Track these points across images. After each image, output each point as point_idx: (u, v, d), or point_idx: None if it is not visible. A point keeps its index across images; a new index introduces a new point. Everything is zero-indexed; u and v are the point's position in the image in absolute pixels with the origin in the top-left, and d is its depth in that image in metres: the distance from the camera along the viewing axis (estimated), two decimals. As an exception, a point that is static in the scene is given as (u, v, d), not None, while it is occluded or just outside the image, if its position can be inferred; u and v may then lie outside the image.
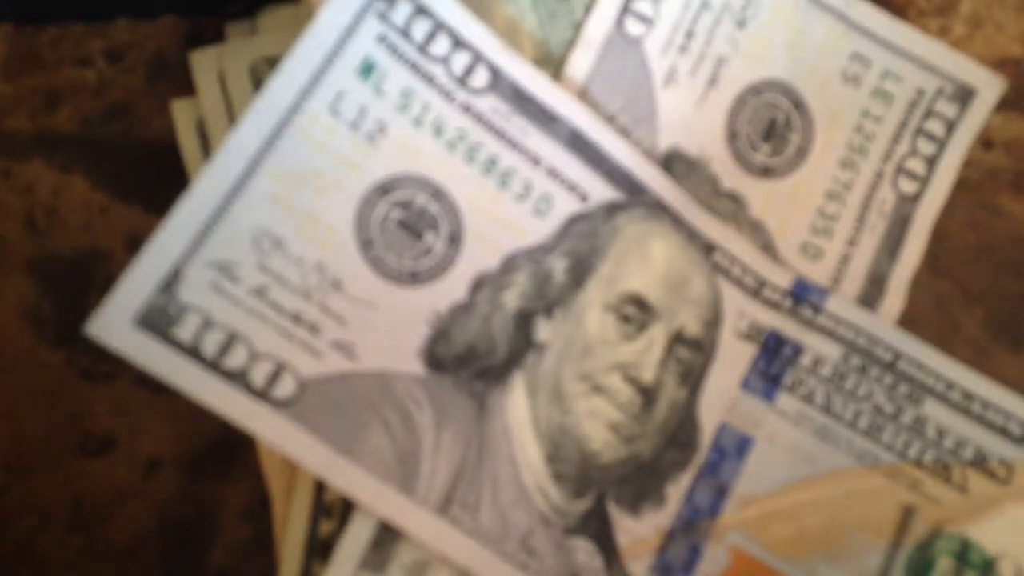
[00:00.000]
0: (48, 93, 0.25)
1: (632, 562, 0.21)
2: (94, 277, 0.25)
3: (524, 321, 0.21)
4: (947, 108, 0.25)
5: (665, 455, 0.22)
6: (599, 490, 0.21)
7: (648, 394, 0.21)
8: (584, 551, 0.21)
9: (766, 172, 0.24)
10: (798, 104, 0.25)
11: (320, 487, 0.22)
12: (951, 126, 0.25)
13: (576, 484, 0.21)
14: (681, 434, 0.21)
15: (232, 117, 0.24)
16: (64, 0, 0.24)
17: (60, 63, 0.25)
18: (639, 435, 0.22)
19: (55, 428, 0.24)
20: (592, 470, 0.21)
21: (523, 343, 0.21)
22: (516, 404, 0.21)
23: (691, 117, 0.24)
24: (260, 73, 0.24)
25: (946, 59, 0.26)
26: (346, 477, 0.20)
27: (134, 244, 0.25)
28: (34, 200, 0.25)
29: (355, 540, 0.20)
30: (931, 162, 0.25)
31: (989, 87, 0.26)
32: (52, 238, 0.25)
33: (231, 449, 0.24)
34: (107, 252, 0.25)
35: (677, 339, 0.22)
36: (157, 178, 0.25)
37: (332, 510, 0.22)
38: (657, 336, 0.22)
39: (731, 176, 0.24)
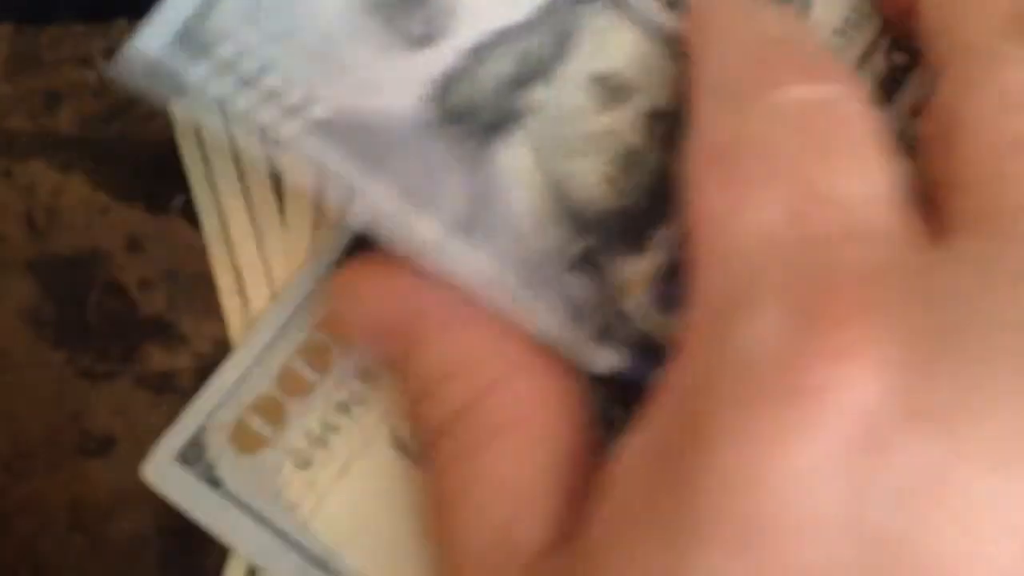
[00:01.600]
0: (48, 93, 0.25)
1: (626, 298, 0.22)
2: (94, 277, 0.25)
3: (519, 85, 0.22)
4: None
5: (655, 207, 0.23)
6: (593, 236, 0.22)
7: (636, 155, 0.23)
8: (578, 287, 0.22)
9: None
10: None
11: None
12: None
13: (571, 229, 0.22)
14: (668, 190, 0.22)
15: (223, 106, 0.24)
16: (64, 0, 0.24)
17: (60, 63, 0.25)
18: (630, 190, 0.23)
19: (55, 428, 0.24)
20: (586, 218, 0.22)
21: (519, 103, 0.22)
22: (517, 155, 0.22)
23: None
24: None
25: None
26: (371, 194, 0.21)
27: (134, 244, 0.25)
28: (34, 200, 0.25)
29: None
30: None
31: None
32: (52, 238, 0.25)
33: (231, 449, 0.24)
34: (107, 252, 0.25)
35: (655, 113, 0.23)
36: (157, 178, 0.25)
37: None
38: (641, 106, 0.23)
39: None
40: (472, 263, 0.22)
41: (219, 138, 0.24)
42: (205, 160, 0.24)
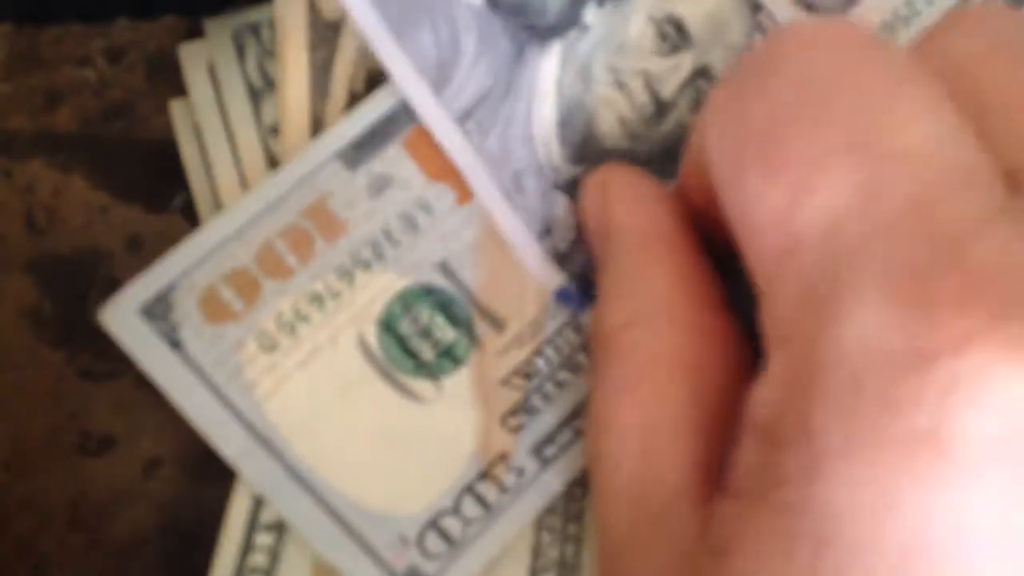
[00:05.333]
0: (48, 93, 0.25)
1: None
2: (94, 277, 0.25)
3: (578, 1, 0.23)
4: None
5: (663, 163, 0.23)
6: (592, 165, 0.23)
7: (662, 107, 0.23)
8: (564, 207, 0.23)
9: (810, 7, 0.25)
10: None
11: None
12: None
13: (576, 152, 0.23)
14: (679, 152, 0.23)
15: (223, 108, 0.24)
16: (64, 0, 0.24)
17: (60, 63, 0.25)
18: (643, 136, 0.23)
19: (55, 428, 0.24)
20: (592, 147, 0.23)
21: (571, 18, 0.23)
22: (547, 66, 0.23)
23: None
24: (242, 39, 0.24)
25: None
26: (392, 59, 0.22)
27: (134, 244, 0.25)
28: (34, 200, 0.25)
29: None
30: None
31: None
32: (52, 238, 0.25)
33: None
34: (107, 252, 0.25)
35: (702, 73, 0.24)
36: (157, 178, 0.25)
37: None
38: (685, 63, 0.23)
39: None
40: (470, 155, 0.23)
41: (219, 138, 0.24)
42: (205, 160, 0.24)
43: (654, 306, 0.19)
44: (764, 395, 0.15)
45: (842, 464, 0.13)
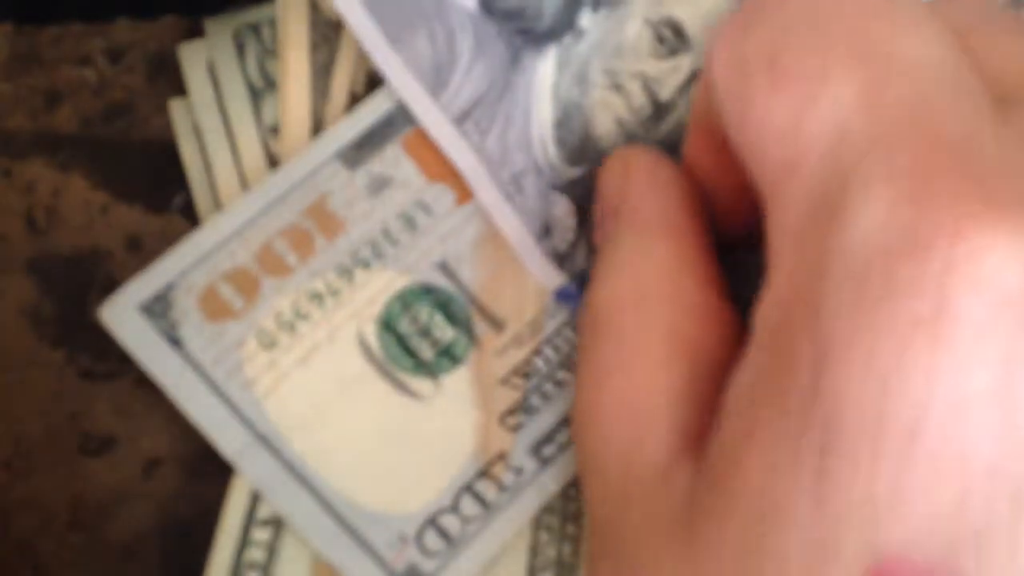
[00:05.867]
0: (48, 93, 0.25)
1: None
2: (94, 277, 0.25)
3: (572, 6, 0.23)
4: None
5: None
6: (591, 166, 0.23)
7: (660, 109, 0.23)
8: (562, 207, 0.23)
9: None
10: None
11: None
12: None
13: (573, 154, 0.23)
14: (679, 153, 0.23)
15: (223, 108, 0.24)
16: (64, 0, 0.24)
17: (60, 63, 0.25)
18: (641, 138, 0.23)
19: (55, 428, 0.24)
20: (590, 149, 0.23)
21: (566, 23, 0.23)
22: (543, 70, 0.23)
23: None
24: (243, 38, 0.24)
25: None
26: (389, 64, 0.22)
27: (134, 244, 0.25)
28: (34, 200, 0.25)
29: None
30: None
31: None
32: (52, 238, 0.25)
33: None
34: (107, 252, 0.25)
35: (699, 74, 0.23)
36: (157, 178, 0.25)
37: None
38: (684, 65, 0.23)
39: None
40: (468, 155, 0.23)
41: (219, 138, 0.24)
42: (205, 160, 0.24)
43: (651, 285, 0.19)
44: (770, 302, 0.15)
45: (849, 352, 0.13)
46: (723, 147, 0.18)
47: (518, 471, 0.22)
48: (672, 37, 0.23)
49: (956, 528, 0.13)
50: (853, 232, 0.14)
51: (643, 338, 0.18)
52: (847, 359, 0.13)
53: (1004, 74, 0.16)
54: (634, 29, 0.23)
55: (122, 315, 0.22)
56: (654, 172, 0.21)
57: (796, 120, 0.15)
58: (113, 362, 0.24)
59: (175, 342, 0.22)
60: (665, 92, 0.23)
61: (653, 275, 0.19)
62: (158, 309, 0.22)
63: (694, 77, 0.24)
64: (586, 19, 0.23)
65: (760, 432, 0.14)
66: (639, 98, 0.23)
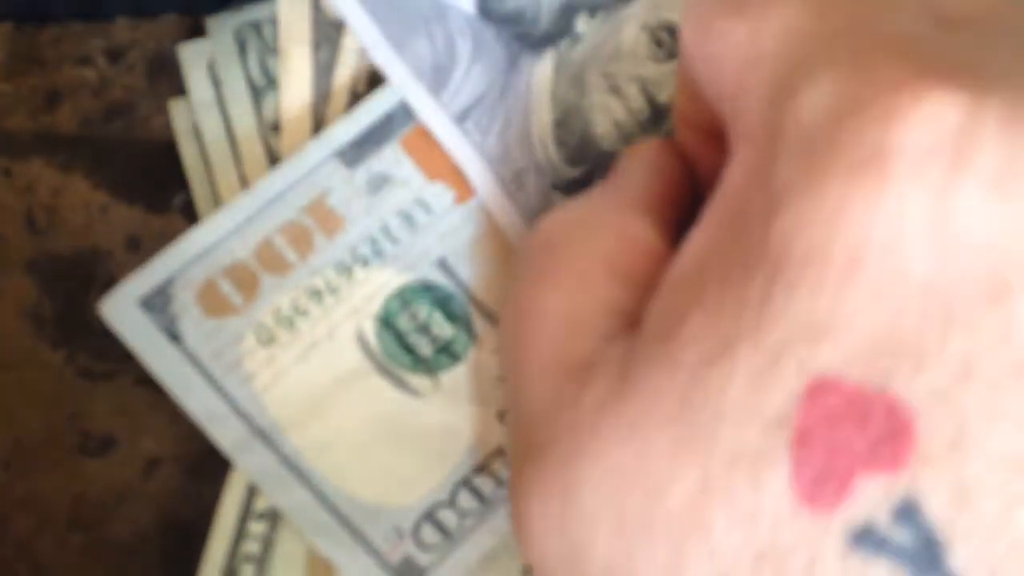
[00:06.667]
0: (48, 93, 0.25)
1: None
2: (94, 277, 0.25)
3: (569, 11, 0.24)
4: None
5: None
6: (591, 167, 0.23)
7: (658, 111, 0.23)
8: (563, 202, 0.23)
9: None
10: None
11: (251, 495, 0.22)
12: None
13: (573, 154, 0.23)
14: None
15: (223, 107, 0.24)
16: (64, 0, 0.24)
17: (60, 62, 0.25)
18: (639, 139, 0.23)
19: (55, 428, 0.24)
20: (590, 150, 0.23)
21: (563, 28, 0.24)
22: (542, 72, 0.24)
23: None
24: (244, 36, 0.25)
25: None
26: (390, 65, 0.22)
27: (134, 244, 0.25)
28: (34, 200, 0.25)
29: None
30: None
31: None
32: (52, 238, 0.25)
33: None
34: (107, 252, 0.25)
35: None
36: (157, 178, 0.25)
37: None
38: None
39: None
40: (469, 153, 0.23)
41: (219, 138, 0.24)
42: (205, 160, 0.24)
43: (601, 217, 0.20)
44: (722, 193, 0.17)
45: (799, 198, 0.15)
46: (705, 129, 0.20)
47: None
48: (670, 41, 0.24)
49: (890, 347, 0.14)
50: (803, 105, 0.15)
51: (583, 257, 0.19)
52: (796, 202, 0.14)
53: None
54: (631, 33, 0.24)
55: (122, 309, 0.22)
56: (658, 152, 0.22)
57: (752, 36, 0.16)
58: (113, 362, 0.24)
59: (174, 336, 0.22)
60: (664, 95, 0.23)
61: (606, 209, 0.20)
62: (158, 304, 0.22)
63: None
64: (583, 24, 0.23)
65: (708, 287, 0.15)
66: (637, 100, 0.23)
